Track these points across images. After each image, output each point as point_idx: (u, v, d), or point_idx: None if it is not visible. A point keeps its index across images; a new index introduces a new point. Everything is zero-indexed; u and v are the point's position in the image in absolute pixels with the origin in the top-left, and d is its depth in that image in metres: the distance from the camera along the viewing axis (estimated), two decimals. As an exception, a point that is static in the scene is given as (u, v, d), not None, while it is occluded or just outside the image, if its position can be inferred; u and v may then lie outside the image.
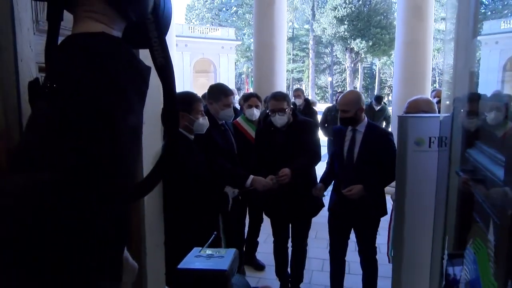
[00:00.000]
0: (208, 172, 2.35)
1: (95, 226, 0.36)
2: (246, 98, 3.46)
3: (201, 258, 0.64)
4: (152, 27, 0.50)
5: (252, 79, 8.57)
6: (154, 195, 1.89)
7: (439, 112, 2.34)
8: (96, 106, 0.39)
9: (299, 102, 5.78)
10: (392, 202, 2.71)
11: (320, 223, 3.06)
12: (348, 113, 2.67)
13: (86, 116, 0.37)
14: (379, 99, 6.99)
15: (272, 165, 2.75)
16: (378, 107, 6.87)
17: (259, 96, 3.45)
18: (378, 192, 2.73)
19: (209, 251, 0.66)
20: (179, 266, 0.60)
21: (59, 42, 0.47)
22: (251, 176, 2.68)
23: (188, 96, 2.34)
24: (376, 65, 40.10)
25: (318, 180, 2.95)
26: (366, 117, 2.76)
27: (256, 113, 3.30)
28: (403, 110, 2.47)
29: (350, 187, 2.59)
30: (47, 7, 0.49)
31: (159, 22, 0.50)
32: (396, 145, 2.20)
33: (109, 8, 0.45)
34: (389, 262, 2.78)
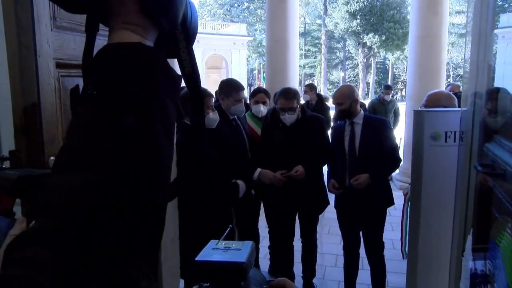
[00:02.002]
0: (218, 165, 2.36)
1: (138, 228, 0.37)
2: (253, 93, 3.40)
3: (218, 251, 0.64)
4: (181, 37, 0.51)
5: (264, 75, 8.55)
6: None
7: (459, 107, 2.30)
8: (137, 113, 0.40)
9: (306, 98, 5.75)
10: (403, 195, 2.69)
11: (332, 218, 3.05)
12: (342, 105, 2.68)
13: (128, 122, 0.39)
14: (388, 87, 6.82)
15: (278, 161, 2.75)
16: (389, 98, 6.69)
17: (267, 91, 3.38)
18: (383, 181, 2.74)
19: (226, 244, 0.66)
20: (197, 259, 0.61)
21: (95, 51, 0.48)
22: (259, 169, 2.69)
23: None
24: (389, 60, 39.57)
25: (323, 177, 2.95)
26: (362, 110, 2.77)
27: (263, 110, 3.22)
28: (421, 103, 2.44)
29: (356, 177, 2.60)
30: (86, 19, 0.52)
31: (187, 32, 0.52)
32: (412, 139, 2.17)
33: (143, 18, 0.46)
34: (403, 258, 2.75)
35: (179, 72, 0.53)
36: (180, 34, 0.51)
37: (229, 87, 2.79)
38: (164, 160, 0.43)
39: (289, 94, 2.76)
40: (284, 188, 2.74)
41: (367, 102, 7.19)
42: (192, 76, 0.52)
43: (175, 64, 0.56)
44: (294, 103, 2.74)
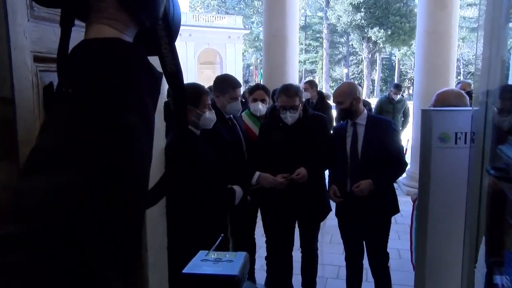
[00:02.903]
0: (214, 168, 2.37)
1: (113, 229, 0.39)
2: (252, 90, 3.39)
3: (208, 262, 0.63)
4: (162, 33, 0.52)
5: (262, 71, 8.58)
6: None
7: (470, 106, 2.30)
8: (114, 110, 0.41)
9: (306, 96, 5.75)
10: (411, 203, 2.70)
11: (334, 226, 3.04)
12: (343, 104, 2.69)
13: (104, 120, 0.40)
14: (398, 87, 6.88)
15: (278, 163, 2.75)
16: (398, 97, 6.73)
17: (266, 89, 3.38)
18: (387, 187, 2.75)
19: (216, 255, 0.65)
20: (184, 271, 0.60)
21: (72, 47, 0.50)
22: (257, 173, 2.69)
23: (195, 89, 2.36)
24: (395, 56, 39.81)
25: (325, 181, 2.95)
26: (365, 110, 2.78)
27: (262, 108, 3.22)
28: (430, 103, 2.44)
29: (358, 183, 2.60)
30: (61, 14, 0.52)
31: (169, 28, 0.52)
32: (420, 140, 2.16)
33: (121, 13, 0.47)
34: (414, 269, 2.75)
35: (160, 70, 0.54)
36: (162, 30, 0.52)
37: (225, 83, 2.79)
38: (143, 157, 0.44)
39: (290, 91, 2.76)
40: (284, 193, 2.73)
41: (372, 101, 7.22)
42: (175, 74, 0.53)
43: (157, 63, 0.55)
44: (296, 101, 2.74)
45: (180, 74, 0.54)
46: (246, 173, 2.72)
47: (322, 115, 3.05)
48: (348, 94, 2.69)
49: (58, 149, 0.40)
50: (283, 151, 2.78)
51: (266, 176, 2.70)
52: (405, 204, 3.44)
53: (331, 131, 3.02)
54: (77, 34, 0.55)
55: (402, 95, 7.36)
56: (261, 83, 5.56)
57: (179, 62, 0.53)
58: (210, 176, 2.29)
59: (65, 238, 0.35)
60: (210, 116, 2.36)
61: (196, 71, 24.14)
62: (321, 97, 5.88)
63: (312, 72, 44.54)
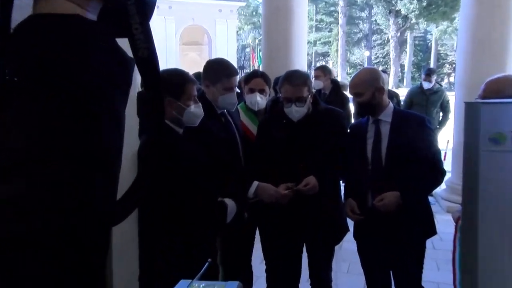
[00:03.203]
0: (201, 176, 2.38)
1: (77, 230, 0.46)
2: (248, 78, 3.41)
3: (191, 295, 0.63)
4: (133, 10, 0.53)
5: (261, 54, 8.61)
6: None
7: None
8: (73, 97, 0.45)
9: (318, 85, 5.78)
10: (454, 223, 2.70)
11: (353, 251, 3.04)
12: (362, 96, 2.72)
13: (64, 107, 0.45)
14: (430, 72, 6.86)
15: (280, 170, 2.78)
16: (432, 86, 6.67)
17: (266, 76, 3.39)
18: (420, 201, 2.76)
19: (202, 285, 0.65)
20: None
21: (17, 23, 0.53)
22: (256, 183, 2.71)
23: (177, 76, 2.38)
24: (431, 34, 39.89)
25: (341, 194, 2.98)
26: (391, 103, 2.81)
27: (261, 100, 3.24)
28: (477, 94, 2.44)
29: (381, 196, 2.61)
30: None
31: (142, 4, 0.54)
32: (464, 142, 2.15)
33: None
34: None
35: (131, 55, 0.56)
36: (132, 6, 0.53)
37: (217, 70, 2.82)
38: (115, 151, 0.48)
39: (297, 79, 2.78)
40: (288, 208, 2.74)
41: (402, 92, 7.23)
42: (148, 60, 0.55)
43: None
44: (304, 92, 2.76)
45: (154, 60, 0.55)
46: (241, 183, 2.73)
47: (337, 109, 3.07)
48: (368, 83, 2.71)
49: (32, 146, 0.43)
50: (287, 155, 2.80)
51: (266, 187, 2.71)
52: (445, 224, 3.44)
53: (348, 130, 3.04)
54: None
55: (439, 84, 7.35)
56: (260, 69, 5.59)
57: (154, 46, 0.55)
58: (193, 189, 2.29)
59: (65, 238, 0.42)
60: (196, 110, 2.38)
61: (177, 53, 24.19)
62: (336, 86, 5.92)
63: (325, 55, 44.76)
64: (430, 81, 6.70)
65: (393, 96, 6.42)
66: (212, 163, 2.52)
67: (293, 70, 2.98)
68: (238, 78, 3.03)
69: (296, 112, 2.77)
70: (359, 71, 2.91)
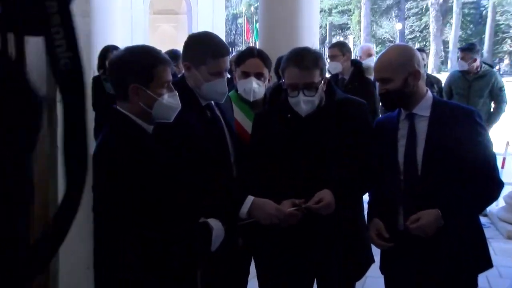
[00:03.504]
0: (177, 190, 2.39)
1: None
2: (241, 59, 3.41)
3: None
4: (53, 7, 0.53)
5: (257, 26, 8.60)
6: (72, 236, 1.98)
7: None
8: None
9: (335, 68, 5.79)
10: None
11: (379, 286, 3.05)
12: (391, 82, 2.70)
13: None
14: (468, 48, 6.66)
15: (284, 181, 2.77)
16: (466, 67, 6.48)
17: (265, 55, 3.39)
18: (468, 223, 2.74)
19: None
20: None
21: None
22: (250, 198, 2.68)
23: (144, 55, 2.38)
24: (487, 0, 39.75)
25: (363, 214, 2.99)
26: (429, 92, 2.81)
27: (258, 88, 3.24)
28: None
29: (416, 215, 2.59)
30: None
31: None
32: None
33: None
34: None
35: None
36: (53, 2, 0.52)
37: (202, 48, 2.83)
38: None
39: (307, 59, 2.77)
40: (294, 232, 2.75)
41: (443, 77, 7.19)
42: (72, 74, 0.56)
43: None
44: (316, 76, 2.75)
45: (80, 74, 0.56)
46: (232, 198, 2.72)
47: (359, 100, 3.06)
48: (399, 66, 2.69)
49: None
50: (292, 161, 2.79)
51: (264, 203, 2.68)
52: (505, 254, 3.39)
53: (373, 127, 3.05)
54: None
55: (490, 65, 7.15)
56: (257, 46, 5.55)
57: (80, 54, 0.56)
58: (167, 207, 2.30)
59: None
60: (170, 101, 2.38)
61: (146, 26, 24.17)
62: (358, 70, 5.94)
63: (343, 28, 44.89)
64: (466, 60, 6.53)
65: (432, 82, 6.40)
66: (193, 174, 2.52)
67: (301, 48, 2.97)
68: (229, 58, 3.02)
69: (304, 103, 2.75)
70: (387, 50, 2.89)
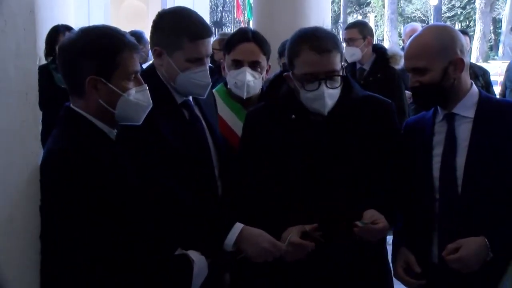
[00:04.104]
0: (148, 213, 2.40)
1: None
2: (231, 44, 3.43)
3: None
4: None
5: (251, 0, 8.64)
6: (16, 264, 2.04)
7: None
8: None
9: (353, 54, 5.85)
10: None
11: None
12: (425, 74, 2.72)
13: None
14: None
15: (293, 201, 2.79)
16: None
17: (261, 39, 3.42)
18: None
19: None
20: None
21: None
22: (239, 226, 2.67)
23: (105, 38, 2.37)
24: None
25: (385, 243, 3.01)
26: (474, 86, 2.82)
27: (253, 81, 3.28)
28: None
29: (455, 243, 2.59)
30: None
31: None
32: None
33: None
34: None
35: None
36: None
37: (176, 28, 2.84)
38: None
39: (324, 41, 2.77)
40: (300, 269, 2.76)
41: (494, 68, 7.17)
42: None
43: None
44: (338, 62, 2.79)
45: None
46: (216, 224, 2.73)
47: (385, 100, 3.06)
48: (437, 53, 2.71)
49: None
50: (297, 174, 2.81)
51: (256, 235, 2.68)
52: None
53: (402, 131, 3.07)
54: None
55: None
56: (251, 27, 5.55)
57: None
58: (135, 234, 2.32)
59: None
60: (138, 97, 2.39)
61: (108, 1, 24.10)
62: (381, 58, 5.97)
63: (362, 4, 44.92)
64: None
65: (477, 74, 6.37)
66: (167, 194, 2.55)
67: (313, 28, 2.96)
68: (211, 41, 3.04)
69: (329, 97, 2.76)
70: (422, 32, 2.91)
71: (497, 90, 7.64)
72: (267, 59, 3.41)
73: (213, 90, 3.31)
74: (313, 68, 2.75)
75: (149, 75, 2.67)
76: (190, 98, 2.91)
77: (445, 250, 2.61)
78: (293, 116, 2.84)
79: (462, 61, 2.73)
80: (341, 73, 2.79)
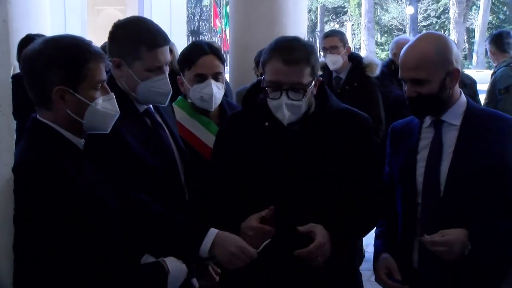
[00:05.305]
0: (118, 222, 2.41)
1: None
2: (189, 59, 3.42)
3: None
4: None
5: (228, 9, 8.62)
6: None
7: None
8: None
9: (336, 61, 5.83)
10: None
11: None
12: (425, 85, 2.71)
13: None
14: (499, 37, 6.80)
15: (257, 206, 2.76)
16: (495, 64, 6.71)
17: (217, 50, 3.44)
18: (507, 262, 2.73)
19: None
20: None
21: None
22: (213, 232, 2.62)
23: (72, 48, 2.35)
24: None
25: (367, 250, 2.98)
26: (463, 95, 2.83)
27: (218, 92, 3.31)
28: None
29: (440, 232, 2.58)
30: None
31: None
32: None
33: None
34: None
35: None
36: None
37: (133, 37, 2.85)
38: None
39: (295, 51, 2.76)
40: (271, 273, 2.76)
41: (474, 73, 7.17)
42: None
43: None
44: (305, 75, 2.76)
45: None
46: (189, 231, 2.68)
47: (362, 115, 3.02)
48: (438, 64, 2.71)
49: None
50: (269, 182, 2.80)
51: (227, 239, 2.62)
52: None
53: (385, 138, 3.10)
54: None
55: None
56: (227, 34, 5.52)
57: None
58: (106, 242, 2.31)
59: None
60: (106, 106, 2.39)
61: (85, 8, 24.02)
62: (357, 67, 5.94)
63: (339, 12, 45.18)
64: (499, 56, 6.73)
65: (465, 83, 6.34)
66: (135, 205, 2.53)
67: (290, 37, 2.97)
68: (168, 48, 3.01)
69: (288, 108, 2.75)
70: (419, 41, 2.86)
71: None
72: (224, 68, 3.46)
73: (173, 104, 3.35)
74: (277, 77, 2.75)
75: (109, 86, 2.57)
76: (151, 106, 2.92)
77: (429, 237, 2.59)
78: (267, 123, 2.83)
79: (458, 71, 2.75)
80: (308, 87, 2.76)
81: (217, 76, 3.31)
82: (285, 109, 2.75)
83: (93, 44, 2.46)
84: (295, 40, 2.87)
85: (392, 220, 2.90)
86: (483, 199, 2.66)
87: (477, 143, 2.69)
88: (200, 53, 3.38)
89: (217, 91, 3.28)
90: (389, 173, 2.94)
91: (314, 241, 2.60)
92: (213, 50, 3.39)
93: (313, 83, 2.80)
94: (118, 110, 2.42)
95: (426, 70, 2.69)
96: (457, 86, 2.78)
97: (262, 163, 2.82)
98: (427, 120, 2.80)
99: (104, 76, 2.40)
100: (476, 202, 2.66)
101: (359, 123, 2.93)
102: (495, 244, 2.68)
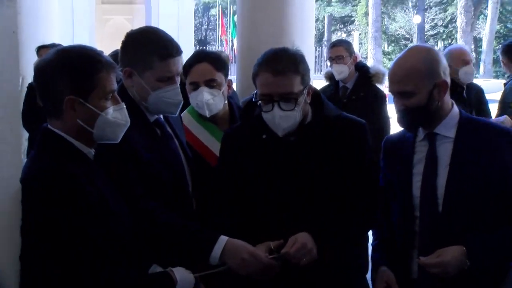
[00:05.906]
0: (128, 232, 2.41)
1: None
2: (186, 68, 3.45)
3: None
4: None
5: (235, 18, 8.61)
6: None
7: None
8: None
9: (342, 71, 5.82)
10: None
11: None
12: (412, 97, 2.70)
13: None
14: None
15: (258, 217, 2.80)
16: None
17: (217, 58, 3.45)
18: (505, 270, 2.72)
19: None
20: None
21: None
22: (224, 239, 2.65)
23: (83, 58, 2.36)
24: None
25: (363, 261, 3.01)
26: (455, 106, 2.82)
27: (213, 99, 3.31)
28: None
29: (435, 253, 2.57)
30: None
31: None
32: None
33: None
34: None
35: None
36: None
37: (145, 48, 2.84)
38: None
39: (281, 62, 2.76)
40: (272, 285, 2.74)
41: (481, 83, 7.12)
42: None
43: None
44: (295, 83, 2.76)
45: None
46: (199, 238, 2.71)
47: (358, 120, 3.03)
48: (425, 77, 2.70)
49: None
50: (269, 193, 2.82)
51: (239, 246, 2.65)
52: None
53: (382, 150, 3.07)
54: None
55: None
56: (235, 44, 5.51)
57: None
58: (116, 251, 2.32)
59: None
60: (116, 116, 2.39)
61: (93, 18, 24.05)
62: (364, 76, 5.93)
63: (346, 22, 45.10)
64: (509, 67, 6.68)
65: (455, 96, 6.28)
66: (135, 241, 2.50)
67: (278, 48, 2.93)
68: (181, 59, 3.02)
69: (281, 119, 2.75)
70: (407, 54, 2.86)
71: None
72: (225, 75, 3.44)
73: (184, 111, 3.36)
74: (267, 89, 2.75)
75: (121, 96, 2.59)
76: (161, 116, 2.92)
77: (425, 258, 2.58)
78: (264, 136, 2.84)
79: (446, 83, 2.72)
80: (300, 96, 2.75)
81: (210, 83, 3.31)
82: (278, 120, 2.75)
83: (103, 54, 2.47)
84: (282, 51, 2.87)
85: (387, 232, 2.90)
86: (482, 213, 2.65)
87: (473, 156, 2.68)
88: (194, 61, 3.42)
89: (210, 97, 3.28)
90: (383, 186, 2.93)
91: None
92: (208, 58, 3.40)
93: (305, 91, 2.79)
94: (129, 120, 2.43)
95: (412, 82, 2.68)
96: (448, 97, 2.76)
97: (261, 177, 2.83)
98: (421, 133, 2.79)
99: (115, 86, 2.40)
100: (475, 216, 2.65)
101: (355, 130, 2.93)
102: (494, 259, 2.67)
